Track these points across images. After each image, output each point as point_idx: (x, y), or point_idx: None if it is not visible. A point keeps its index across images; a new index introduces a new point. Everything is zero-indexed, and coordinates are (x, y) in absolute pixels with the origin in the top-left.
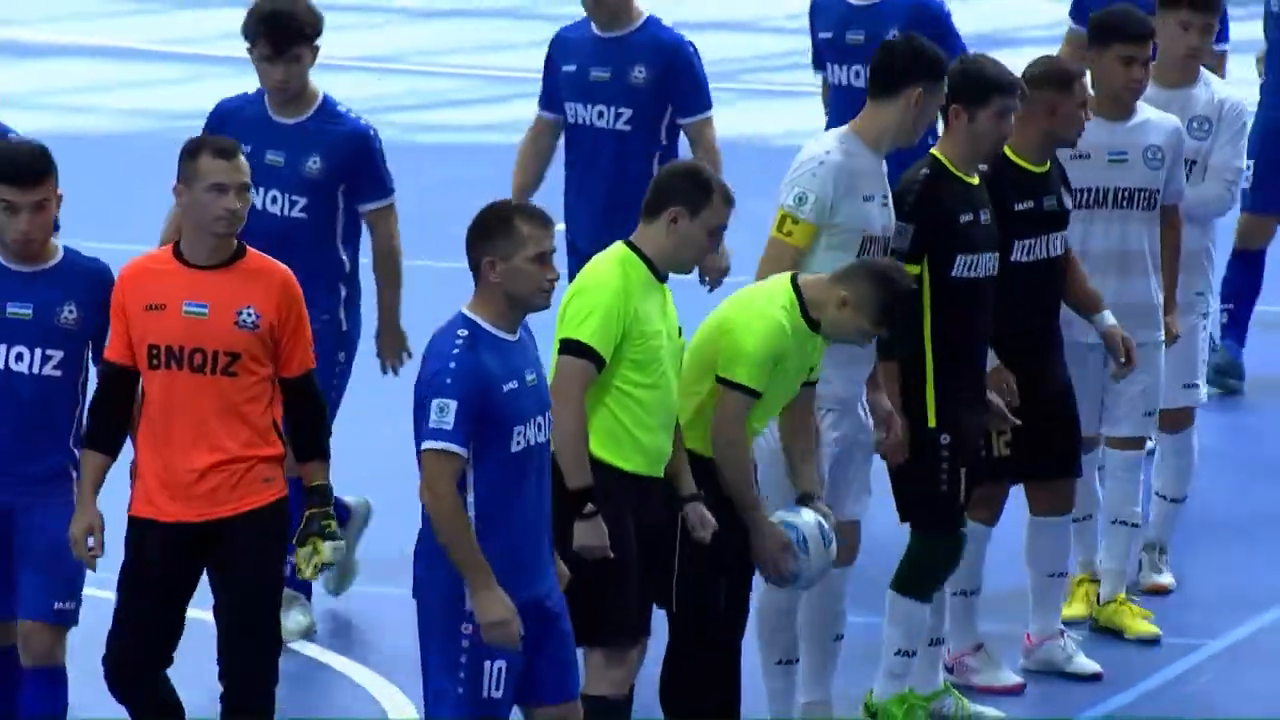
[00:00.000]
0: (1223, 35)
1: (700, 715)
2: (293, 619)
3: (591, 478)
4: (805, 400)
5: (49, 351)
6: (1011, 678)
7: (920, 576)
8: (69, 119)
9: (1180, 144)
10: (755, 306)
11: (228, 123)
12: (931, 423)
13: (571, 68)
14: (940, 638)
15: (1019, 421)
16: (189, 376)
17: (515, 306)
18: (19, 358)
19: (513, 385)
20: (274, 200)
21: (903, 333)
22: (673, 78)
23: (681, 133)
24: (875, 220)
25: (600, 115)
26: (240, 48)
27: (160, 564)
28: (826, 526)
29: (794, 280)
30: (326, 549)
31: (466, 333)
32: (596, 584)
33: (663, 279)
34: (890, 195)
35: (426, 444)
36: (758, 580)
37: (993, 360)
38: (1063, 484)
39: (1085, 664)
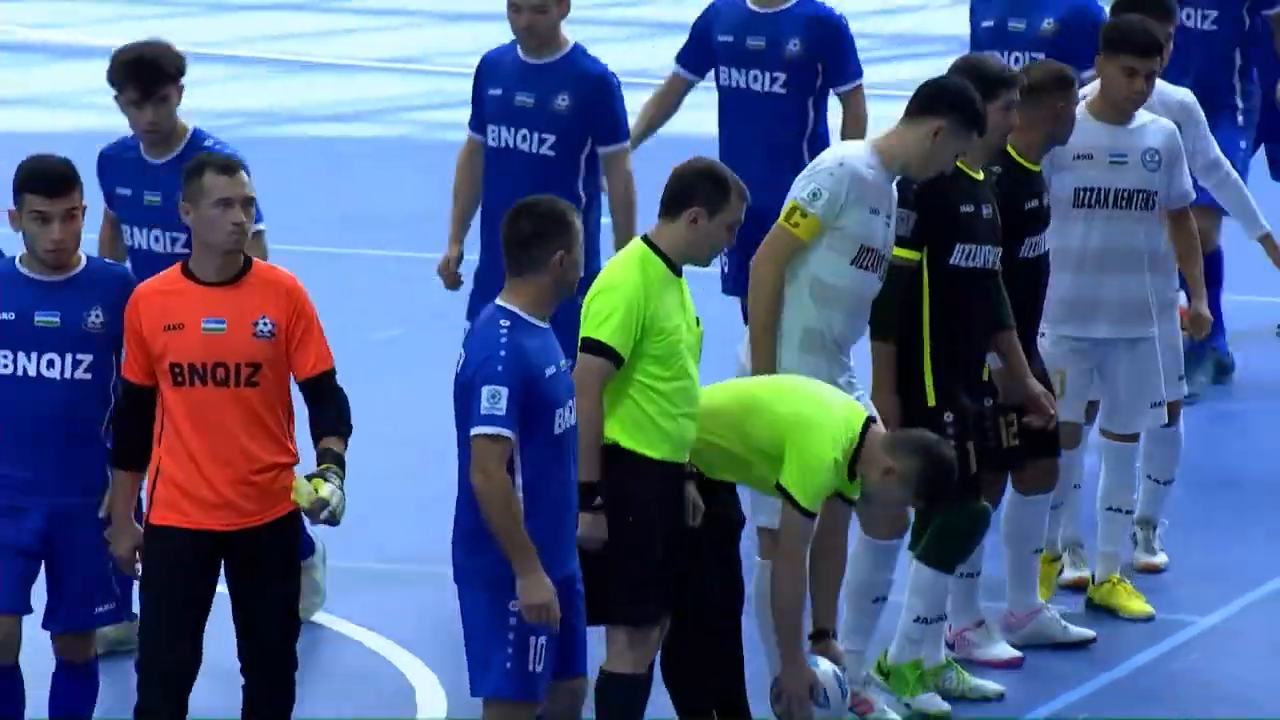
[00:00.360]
0: None
1: (700, 694)
2: None
3: (598, 473)
4: (841, 521)
5: (79, 356)
6: (1011, 651)
7: (946, 548)
8: (112, 118)
9: (1178, 147)
10: (819, 438)
11: (107, 169)
12: (931, 402)
13: (497, 91)
14: (943, 614)
15: (1053, 413)
16: (213, 391)
17: (560, 296)
18: (50, 364)
19: (551, 370)
20: (156, 240)
21: (893, 315)
22: (594, 107)
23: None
24: (877, 234)
25: (524, 139)
26: (270, 49)
27: (187, 571)
28: (843, 677)
29: (865, 424)
30: (326, 488)
31: (509, 322)
32: (621, 565)
33: (679, 272)
34: (894, 214)
35: (478, 429)
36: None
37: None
38: (1048, 462)
39: (1080, 632)
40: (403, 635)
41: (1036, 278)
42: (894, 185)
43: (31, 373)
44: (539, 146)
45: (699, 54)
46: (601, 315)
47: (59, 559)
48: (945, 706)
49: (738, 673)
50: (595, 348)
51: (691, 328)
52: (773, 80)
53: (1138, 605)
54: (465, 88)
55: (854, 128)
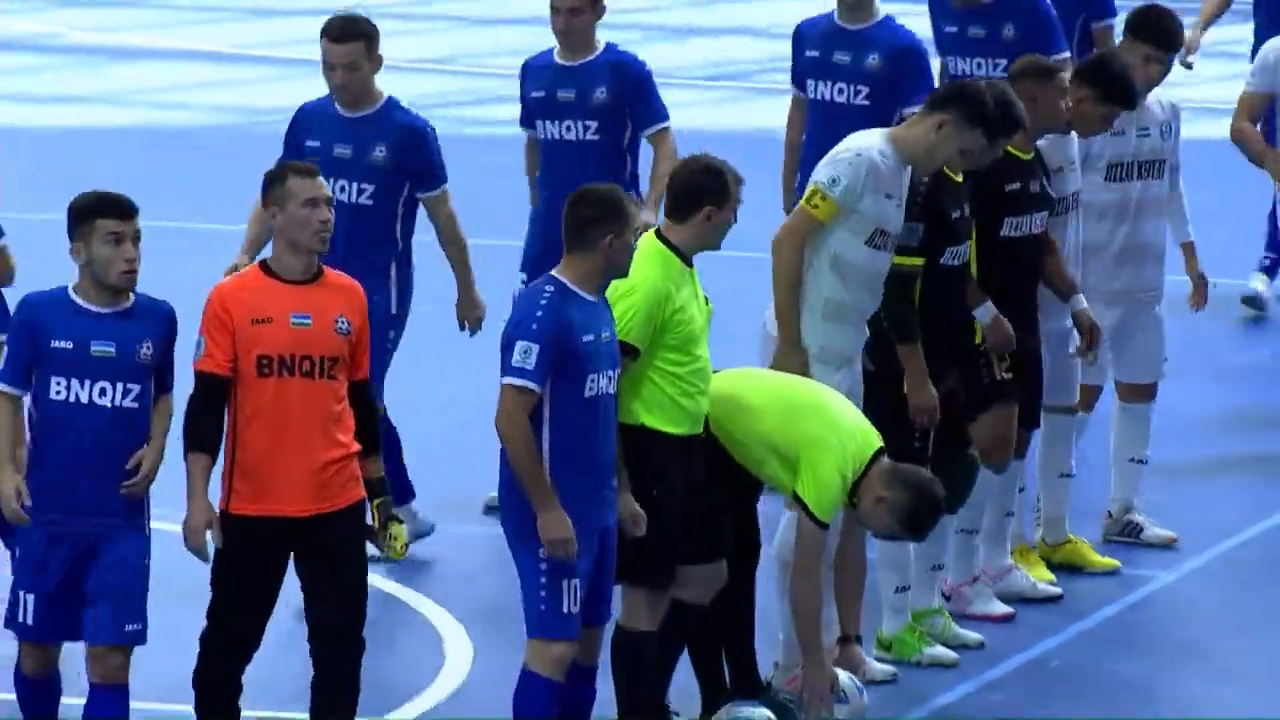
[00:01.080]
0: (1109, 8)
1: (713, 645)
2: None
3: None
4: (860, 532)
5: (129, 385)
6: (1003, 608)
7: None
8: (163, 114)
9: (1179, 119)
10: (831, 460)
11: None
12: (907, 389)
13: (315, 143)
14: (940, 564)
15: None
16: (300, 382)
17: (609, 275)
18: (102, 392)
19: (590, 338)
20: (342, 189)
21: (911, 318)
22: (409, 157)
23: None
24: (891, 218)
25: (343, 190)
26: (309, 51)
27: (265, 558)
28: (858, 680)
29: (875, 455)
30: (403, 531)
31: (553, 289)
32: (645, 533)
33: (691, 264)
34: (905, 198)
35: (508, 379)
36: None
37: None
38: (1024, 432)
39: (1047, 588)
40: (432, 589)
41: (1017, 256)
42: (907, 172)
43: (84, 400)
44: (358, 197)
45: (525, 111)
46: (625, 317)
47: (92, 576)
48: (953, 656)
49: (748, 627)
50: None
51: (702, 309)
52: (585, 129)
53: (1102, 561)
54: (487, 86)
55: (667, 165)
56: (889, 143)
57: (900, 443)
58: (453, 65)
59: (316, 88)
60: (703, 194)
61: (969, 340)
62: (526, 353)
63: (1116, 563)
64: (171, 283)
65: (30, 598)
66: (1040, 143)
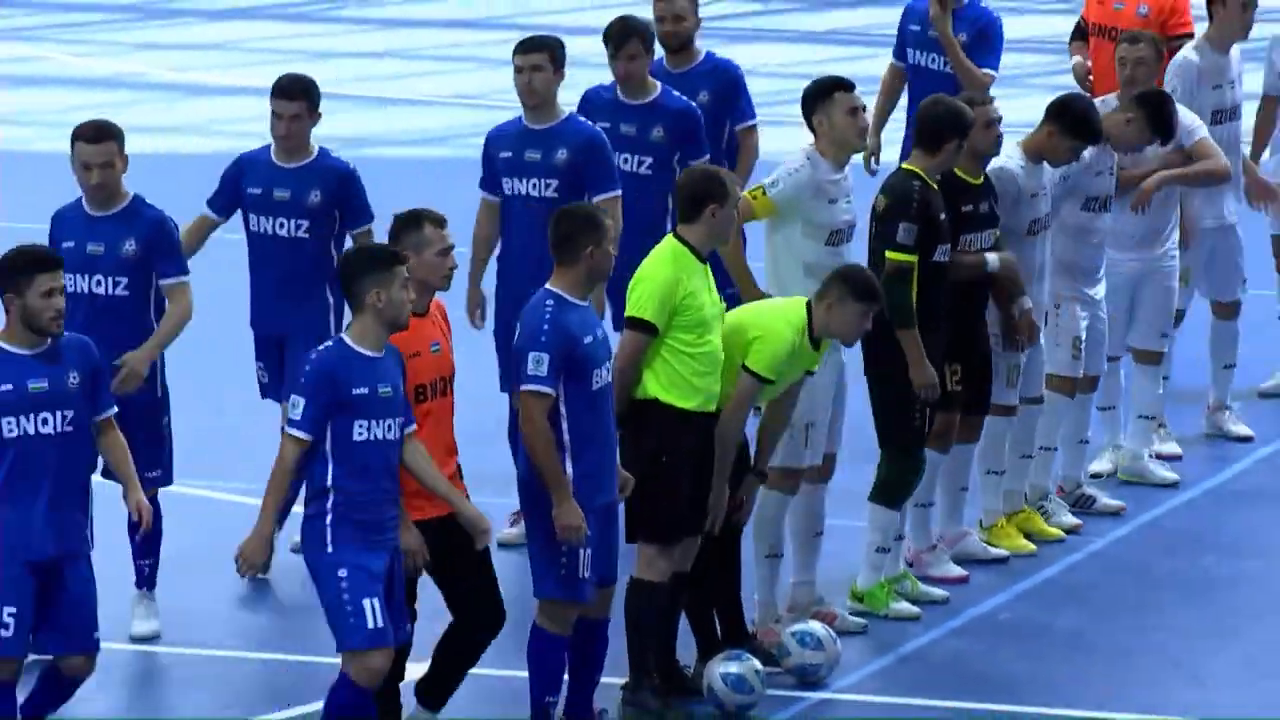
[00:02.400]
0: (749, 112)
1: (709, 591)
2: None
3: (626, 407)
4: (795, 391)
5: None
6: (958, 570)
7: (894, 490)
8: (233, 142)
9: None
10: (779, 327)
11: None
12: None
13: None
14: (901, 534)
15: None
16: (437, 402)
17: (593, 280)
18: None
19: (589, 339)
20: (281, 225)
21: (910, 306)
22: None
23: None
24: (840, 217)
25: (282, 226)
26: (361, 88)
27: (436, 551)
28: (831, 630)
29: (807, 307)
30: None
31: (553, 302)
32: (655, 495)
33: (704, 260)
34: (852, 195)
35: (525, 387)
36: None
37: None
38: (978, 419)
39: (997, 551)
40: None
41: (943, 280)
42: (846, 173)
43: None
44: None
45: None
46: (642, 299)
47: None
48: (916, 610)
49: (737, 587)
50: (635, 324)
51: (715, 304)
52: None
53: (1051, 530)
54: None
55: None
56: (817, 154)
57: (903, 424)
58: (483, 100)
59: (367, 120)
60: (706, 195)
61: (941, 342)
62: (539, 362)
63: (1061, 533)
64: (242, 287)
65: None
66: (1018, 170)
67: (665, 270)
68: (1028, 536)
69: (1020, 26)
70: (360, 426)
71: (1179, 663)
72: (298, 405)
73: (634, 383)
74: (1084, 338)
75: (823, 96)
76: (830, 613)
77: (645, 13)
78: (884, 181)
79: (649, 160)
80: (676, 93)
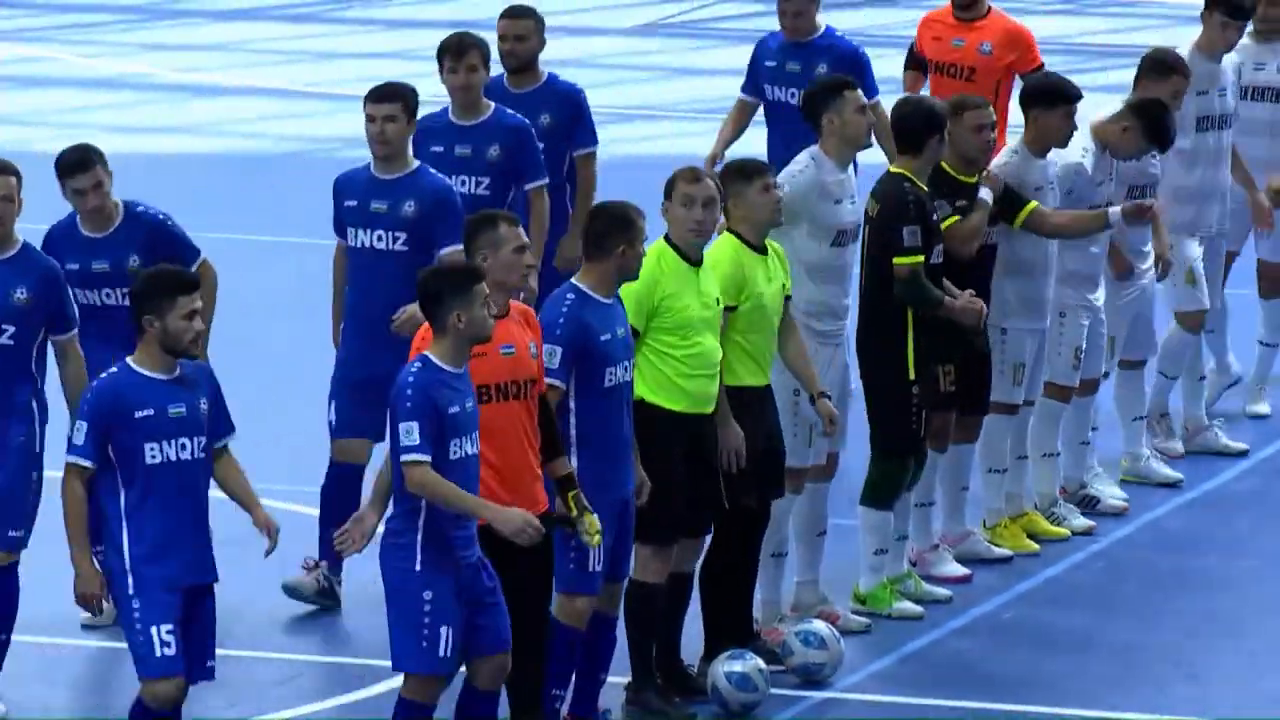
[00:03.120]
0: (590, 139)
1: (735, 590)
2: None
3: None
4: (788, 315)
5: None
6: (960, 570)
7: (883, 492)
8: (245, 142)
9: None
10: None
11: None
12: (911, 376)
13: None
14: (904, 534)
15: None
16: (511, 404)
17: (623, 279)
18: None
19: (606, 336)
20: (379, 239)
21: (931, 290)
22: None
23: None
24: (845, 217)
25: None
26: (366, 89)
27: (512, 555)
28: (834, 630)
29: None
30: (595, 520)
31: (574, 296)
32: (649, 498)
33: (694, 262)
34: (856, 195)
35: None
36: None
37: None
38: (976, 419)
39: (1001, 551)
40: None
41: (971, 267)
42: (850, 172)
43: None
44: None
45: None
46: (625, 300)
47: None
48: (920, 609)
49: (750, 587)
50: None
51: (709, 305)
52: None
53: (1056, 530)
54: None
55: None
56: (822, 155)
57: (899, 427)
58: None
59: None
60: (665, 192)
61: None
62: (551, 355)
63: (1067, 532)
64: (247, 286)
65: None
66: (1016, 165)
67: (645, 271)
68: (1031, 537)
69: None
70: (455, 445)
71: (1180, 662)
72: (411, 431)
73: None
74: (1085, 347)
75: (832, 95)
76: (833, 612)
77: (654, 13)
78: (874, 187)
79: (486, 180)
80: (510, 111)
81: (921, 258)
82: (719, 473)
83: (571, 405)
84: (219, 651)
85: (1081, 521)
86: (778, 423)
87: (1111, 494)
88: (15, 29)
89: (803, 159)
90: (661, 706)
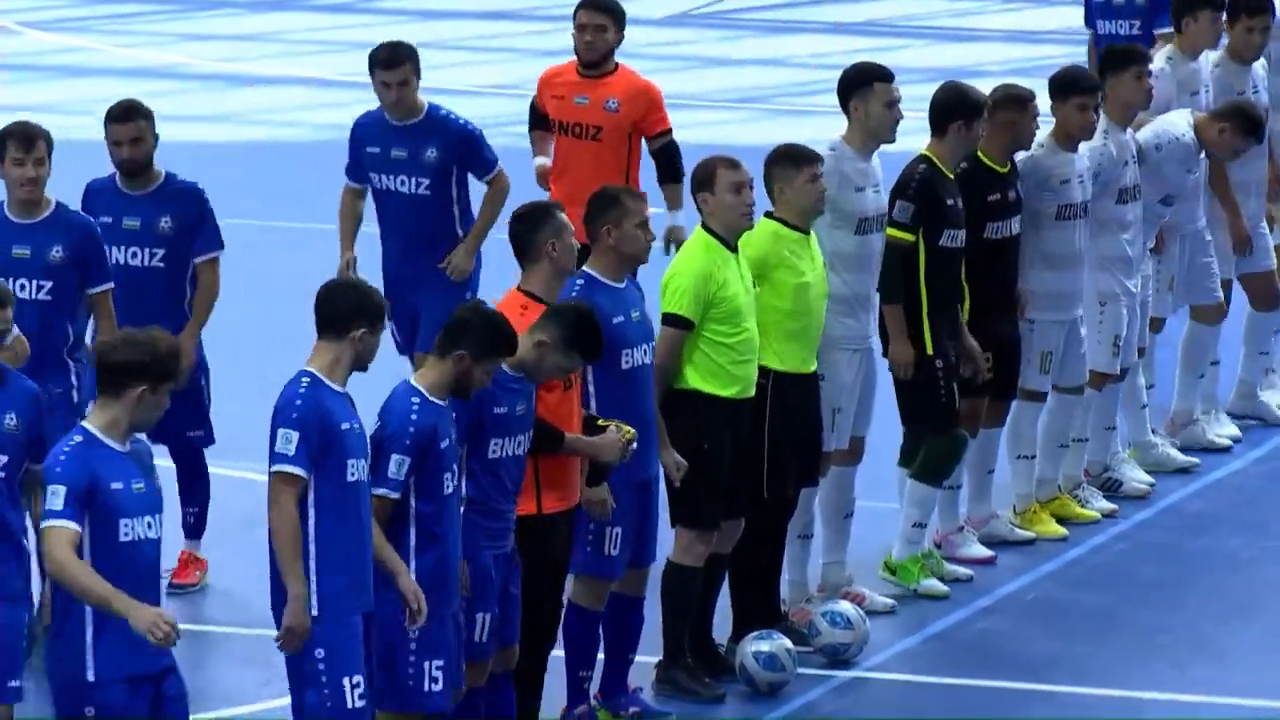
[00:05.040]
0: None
1: (764, 573)
2: None
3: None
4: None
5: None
6: (985, 551)
7: (934, 467)
8: (275, 130)
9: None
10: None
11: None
12: (929, 351)
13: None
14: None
15: (985, 366)
16: (569, 392)
17: (626, 261)
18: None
19: (619, 319)
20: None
21: (899, 284)
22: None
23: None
24: (870, 205)
25: (135, 255)
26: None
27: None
28: (860, 610)
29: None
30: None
31: (583, 281)
32: (692, 480)
33: (732, 248)
34: (881, 183)
35: None
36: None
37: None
38: (1003, 404)
39: (1024, 534)
40: None
41: (1003, 256)
42: (873, 159)
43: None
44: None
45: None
46: (676, 295)
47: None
48: (945, 588)
49: (777, 569)
50: (671, 319)
51: (749, 290)
52: (418, 185)
53: (1086, 513)
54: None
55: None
56: (843, 143)
57: (931, 402)
58: (519, 90)
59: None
60: (693, 184)
61: (956, 323)
62: None
63: (1097, 515)
64: (282, 271)
65: None
66: (1042, 157)
67: (697, 264)
68: (1061, 522)
69: (1040, 18)
70: (495, 444)
71: (1200, 642)
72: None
73: (674, 375)
74: (1124, 334)
75: (862, 84)
76: (859, 593)
77: (686, 3)
78: None
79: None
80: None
81: (908, 235)
82: (762, 458)
83: (590, 390)
84: (246, 631)
85: (1105, 504)
86: (819, 412)
87: (1135, 478)
88: (56, 19)
89: (822, 149)
90: (691, 685)
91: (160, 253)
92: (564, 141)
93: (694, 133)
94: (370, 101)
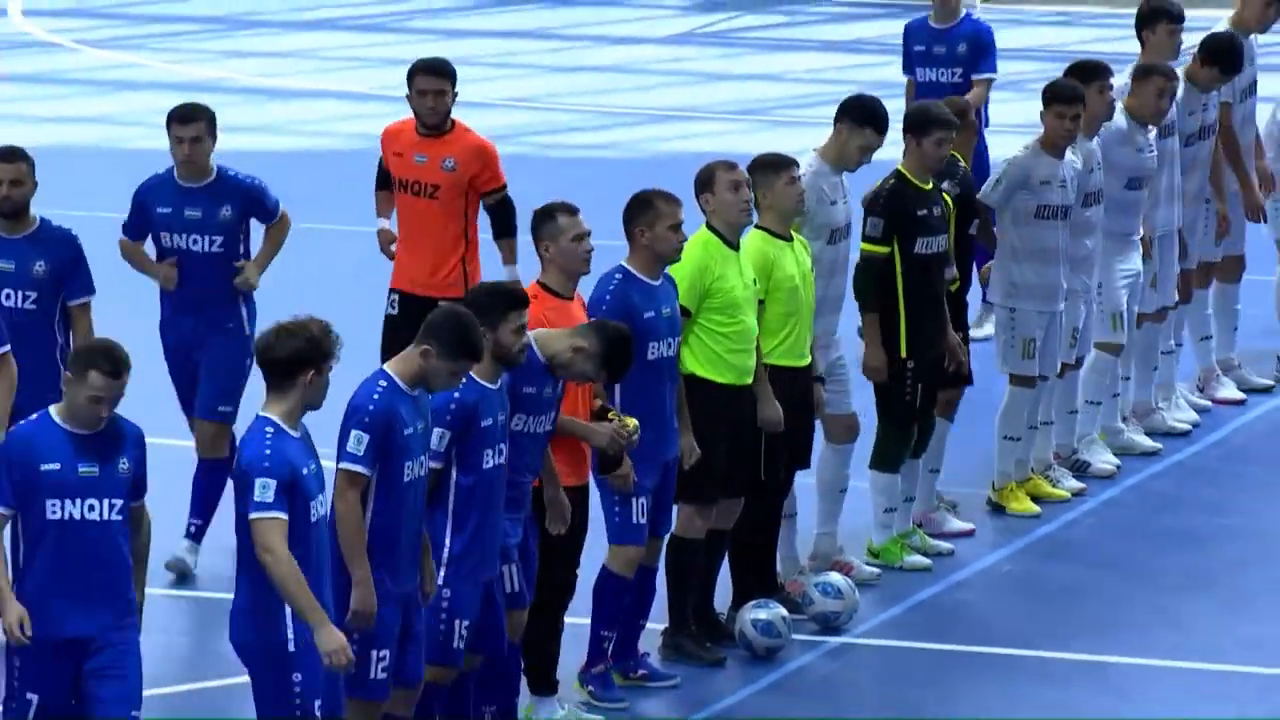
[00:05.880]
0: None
1: (761, 548)
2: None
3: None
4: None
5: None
6: (964, 524)
7: (889, 455)
8: (312, 140)
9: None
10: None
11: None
12: (904, 354)
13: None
14: (911, 496)
15: (963, 359)
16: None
17: (661, 260)
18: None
19: (650, 314)
20: (8, 297)
21: (873, 292)
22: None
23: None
24: (840, 217)
25: (9, 297)
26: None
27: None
28: (850, 581)
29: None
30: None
31: (620, 276)
32: (695, 461)
33: (735, 247)
34: (849, 193)
35: None
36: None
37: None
38: (956, 393)
39: (960, 524)
40: None
41: (932, 269)
42: (842, 175)
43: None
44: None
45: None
46: (678, 286)
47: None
48: (928, 562)
49: (774, 543)
50: None
51: (749, 286)
52: (211, 243)
53: (1057, 492)
54: (563, 119)
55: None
56: (819, 159)
57: (896, 397)
58: (536, 103)
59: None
60: (696, 188)
61: (939, 325)
62: None
63: (1067, 494)
64: (319, 271)
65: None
66: (1025, 159)
67: (695, 257)
68: (1035, 500)
69: (1018, 37)
70: (518, 419)
71: (1163, 610)
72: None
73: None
74: (1080, 328)
75: (857, 120)
76: (848, 563)
77: (689, 23)
78: None
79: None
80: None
81: (879, 249)
82: (759, 441)
83: (616, 386)
84: None
85: (1075, 484)
86: (810, 402)
87: (1102, 459)
88: (107, 38)
89: (805, 162)
90: (695, 650)
91: (34, 295)
92: (404, 198)
93: (697, 143)
94: (396, 114)
